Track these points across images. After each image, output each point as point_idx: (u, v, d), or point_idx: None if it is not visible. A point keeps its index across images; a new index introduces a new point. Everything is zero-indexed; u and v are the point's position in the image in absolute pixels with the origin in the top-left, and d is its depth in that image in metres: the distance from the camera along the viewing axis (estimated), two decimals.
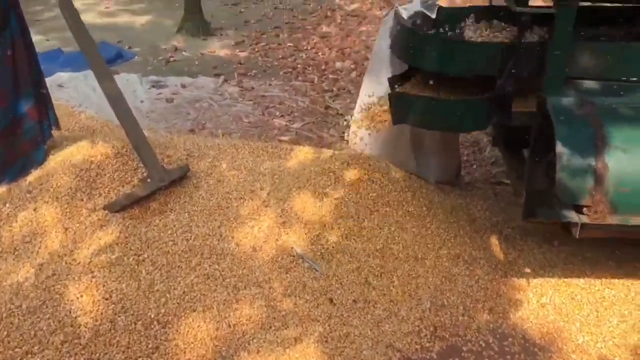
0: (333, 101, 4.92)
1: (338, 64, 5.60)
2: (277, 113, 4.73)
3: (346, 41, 6.27)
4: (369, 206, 3.00)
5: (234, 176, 3.32)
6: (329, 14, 7.39)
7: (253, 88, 5.19)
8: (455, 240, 2.96)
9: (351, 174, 3.17)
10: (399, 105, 2.77)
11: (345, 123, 4.55)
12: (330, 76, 5.40)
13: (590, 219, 2.08)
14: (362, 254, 2.81)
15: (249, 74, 5.52)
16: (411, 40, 2.63)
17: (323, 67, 5.57)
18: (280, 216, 2.99)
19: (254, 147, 3.66)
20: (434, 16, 3.01)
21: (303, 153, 3.64)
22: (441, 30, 2.94)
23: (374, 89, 3.42)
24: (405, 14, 3.06)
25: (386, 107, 3.02)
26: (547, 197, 2.35)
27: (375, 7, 7.57)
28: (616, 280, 2.74)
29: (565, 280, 2.78)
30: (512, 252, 2.99)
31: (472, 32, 2.81)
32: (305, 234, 2.89)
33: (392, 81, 3.02)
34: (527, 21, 2.27)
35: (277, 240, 2.89)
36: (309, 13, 7.43)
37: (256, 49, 6.18)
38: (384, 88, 3.32)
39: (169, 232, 2.90)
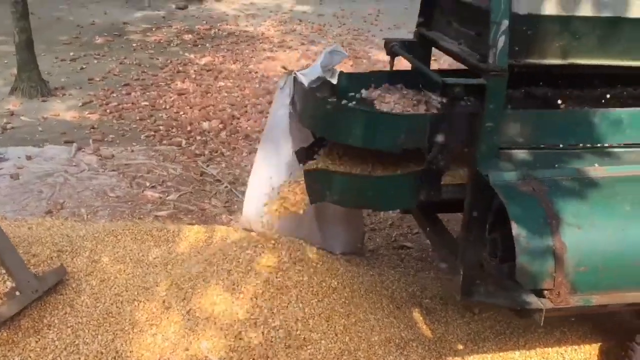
0: (207, 166, 4.54)
1: (205, 124, 5.25)
2: (147, 184, 4.26)
3: (207, 98, 5.94)
4: (288, 296, 2.67)
5: (120, 272, 2.84)
6: (180, 68, 7.02)
7: (113, 156, 4.66)
8: (383, 323, 2.73)
9: (261, 258, 2.84)
10: (317, 183, 2.51)
11: (226, 190, 4.20)
12: (199, 138, 5.02)
13: (553, 302, 1.95)
14: (291, 356, 2.47)
15: (105, 139, 4.97)
16: (329, 112, 2.40)
17: (188, 128, 5.18)
18: (187, 319, 2.57)
19: (135, 231, 3.20)
20: (335, 82, 2.82)
21: (194, 233, 3.25)
22: (347, 98, 2.76)
23: (272, 162, 3.13)
24: (305, 81, 2.83)
25: (295, 184, 2.73)
26: (495, 279, 2.21)
27: (228, 60, 7.33)
28: (550, 349, 2.67)
29: (502, 354, 2.65)
30: (438, 327, 2.82)
31: (383, 99, 2.65)
32: (220, 338, 2.49)
33: (301, 155, 2.76)
34: (459, 92, 2.13)
35: (187, 349, 2.46)
36: (159, 68, 7.00)
37: (108, 110, 5.63)
38: (283, 160, 3.06)
39: (50, 356, 2.36)
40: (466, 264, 2.36)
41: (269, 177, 3.18)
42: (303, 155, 2.75)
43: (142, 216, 3.82)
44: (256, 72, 6.86)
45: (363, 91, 2.80)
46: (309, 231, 3.18)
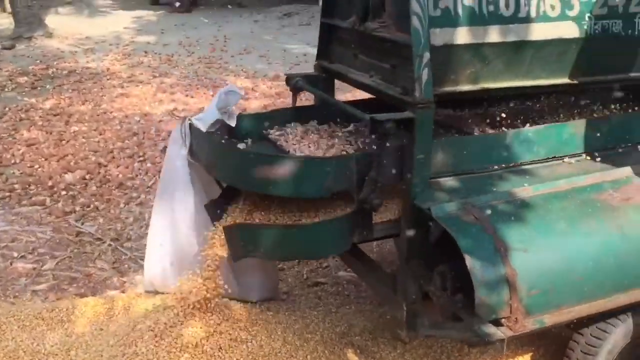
0: (82, 224, 4.11)
1: (68, 177, 4.77)
2: (15, 254, 3.75)
3: (63, 147, 5.42)
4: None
5: None
6: (23, 115, 6.36)
7: None
8: None
9: (180, 325, 2.56)
10: (240, 238, 2.32)
11: (110, 249, 3.82)
12: (64, 193, 4.54)
13: (512, 330, 1.94)
14: None
15: None
16: (244, 162, 2.22)
17: (49, 183, 4.67)
18: None
19: (21, 316, 2.78)
20: (233, 124, 2.65)
21: (91, 308, 2.91)
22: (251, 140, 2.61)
23: (173, 217, 2.88)
24: (202, 126, 2.63)
25: (212, 241, 2.51)
26: (444, 311, 2.17)
27: (76, 101, 6.79)
28: None
29: None
30: None
31: (294, 140, 2.53)
32: None
33: (212, 208, 2.55)
34: (391, 128, 2.07)
35: None
36: None
37: None
38: (186, 215, 2.83)
39: None
40: (408, 299, 2.31)
41: (171, 234, 2.93)
42: (214, 208, 2.54)
43: (17, 294, 3.35)
44: (112, 112, 6.41)
45: (270, 132, 2.66)
46: (222, 282, 2.96)
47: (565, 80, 2.45)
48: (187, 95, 7.05)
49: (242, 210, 2.46)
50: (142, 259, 3.65)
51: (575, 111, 2.82)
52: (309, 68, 8.95)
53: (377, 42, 2.34)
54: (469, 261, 1.90)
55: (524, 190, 2.17)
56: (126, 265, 3.65)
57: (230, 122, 2.67)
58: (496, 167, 2.35)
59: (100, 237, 3.96)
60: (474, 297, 1.90)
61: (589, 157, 2.45)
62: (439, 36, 2.14)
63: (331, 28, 2.71)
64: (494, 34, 2.22)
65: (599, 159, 2.44)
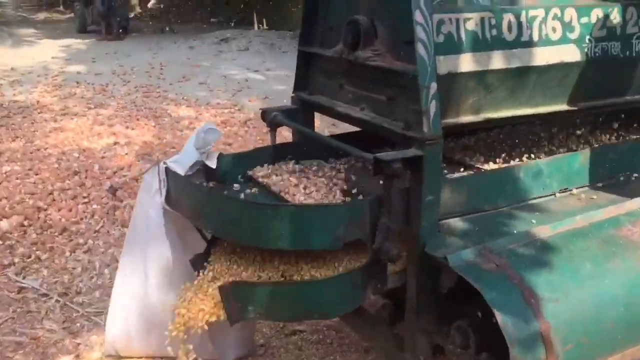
0: (24, 278, 3.69)
1: (3, 224, 4.30)
2: None
3: None
4: None
5: None
6: None
7: None
8: None
9: None
10: (237, 299, 2.02)
11: (59, 306, 3.42)
12: (0, 243, 4.09)
13: None
14: None
15: None
16: (240, 212, 1.95)
17: None
18: None
19: None
20: (213, 165, 2.38)
21: None
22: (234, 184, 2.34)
23: (144, 272, 2.56)
24: (180, 170, 2.34)
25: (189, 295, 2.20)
26: None
27: (5, 138, 6.25)
28: None
29: None
30: None
31: (287, 183, 2.27)
32: None
33: (198, 263, 2.25)
34: (399, 169, 1.85)
35: None
36: None
37: None
38: (160, 269, 2.52)
39: None
40: (419, 357, 2.07)
41: (140, 291, 2.60)
42: (200, 263, 2.24)
43: None
44: (46, 149, 5.92)
45: (256, 174, 2.39)
46: (196, 343, 2.64)
47: (564, 106, 2.31)
48: (127, 127, 6.64)
49: (222, 261, 2.18)
50: (97, 316, 3.29)
51: (565, 137, 2.69)
52: (252, 94, 8.71)
53: (368, 71, 2.12)
54: (500, 317, 1.69)
55: (542, 229, 1.99)
56: (78, 324, 3.27)
57: (210, 163, 2.39)
58: (504, 203, 2.16)
59: (46, 292, 3.55)
60: (507, 355, 1.69)
61: (593, 188, 2.31)
62: (443, 64, 1.95)
63: (310, 57, 2.48)
64: (497, 60, 2.05)
65: (605, 190, 2.30)
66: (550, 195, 2.25)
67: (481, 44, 2.02)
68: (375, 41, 2.08)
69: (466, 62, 2.00)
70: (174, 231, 2.53)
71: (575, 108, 2.32)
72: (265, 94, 8.27)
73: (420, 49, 1.85)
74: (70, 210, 4.46)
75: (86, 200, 4.56)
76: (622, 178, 2.40)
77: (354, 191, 2.24)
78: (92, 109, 7.45)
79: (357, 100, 2.24)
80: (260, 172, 2.36)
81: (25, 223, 4.33)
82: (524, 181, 2.16)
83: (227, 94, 8.34)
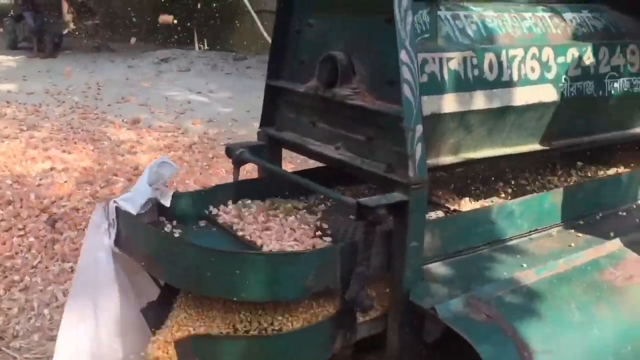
0: None
1: None
2: None
3: None
4: None
5: None
6: None
7: None
8: None
9: None
10: (198, 354, 1.86)
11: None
12: None
13: None
14: None
15: None
16: (204, 260, 1.79)
17: None
18: None
19: None
20: (167, 204, 2.21)
21: None
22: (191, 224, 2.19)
23: (91, 322, 2.34)
24: (132, 209, 2.16)
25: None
26: None
27: None
28: None
29: None
30: None
31: (253, 225, 2.13)
32: None
33: (152, 314, 2.07)
34: (383, 215, 1.74)
35: None
36: None
37: None
38: (108, 318, 2.31)
39: None
40: None
41: (88, 342, 2.38)
42: (153, 313, 2.07)
43: None
44: None
45: (217, 213, 2.24)
46: None
47: (538, 146, 2.28)
48: (63, 151, 6.31)
49: (187, 316, 2.01)
50: None
51: (530, 175, 2.67)
52: (195, 116, 8.49)
53: (346, 110, 2.02)
54: None
55: (527, 274, 1.93)
56: None
57: (164, 201, 2.22)
58: (480, 245, 2.10)
59: None
60: None
61: (567, 227, 2.28)
62: (426, 105, 1.87)
63: (278, 91, 2.36)
64: (479, 100, 2.00)
65: (577, 229, 2.28)
66: (524, 235, 2.20)
67: (464, 84, 1.96)
68: (354, 78, 1.99)
69: (449, 103, 1.94)
70: (125, 275, 2.34)
71: (549, 147, 2.30)
72: (209, 117, 8.09)
73: (406, 90, 1.76)
74: (4, 243, 4.13)
75: (22, 232, 4.25)
76: (592, 216, 2.39)
77: (328, 231, 2.13)
78: (25, 131, 7.08)
79: (331, 138, 2.14)
80: (223, 213, 2.21)
81: None
82: (498, 222, 2.10)
83: (169, 117, 8.11)
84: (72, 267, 3.94)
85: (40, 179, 5.29)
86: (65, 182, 5.04)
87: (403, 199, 1.80)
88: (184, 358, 1.86)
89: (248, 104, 8.62)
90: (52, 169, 5.67)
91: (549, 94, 2.17)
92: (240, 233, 2.08)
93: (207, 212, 2.25)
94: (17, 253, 4.06)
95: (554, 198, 2.24)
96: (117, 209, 2.16)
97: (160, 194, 2.24)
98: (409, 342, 1.91)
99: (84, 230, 4.30)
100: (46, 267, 3.91)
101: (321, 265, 1.78)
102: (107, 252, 2.23)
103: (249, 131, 7.32)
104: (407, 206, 1.81)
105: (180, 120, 7.99)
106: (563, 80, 2.21)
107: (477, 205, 2.35)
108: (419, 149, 1.79)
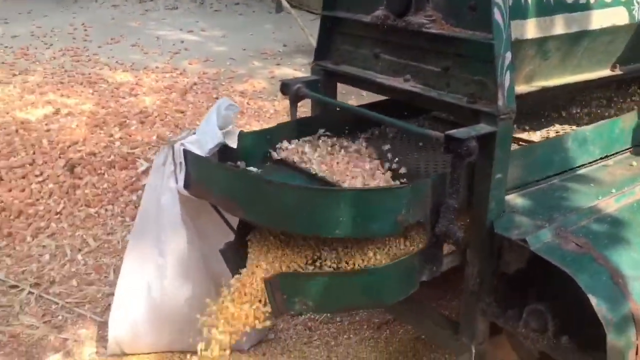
0: None
1: None
2: None
3: None
4: None
5: None
6: None
7: None
8: None
9: None
10: (283, 291, 1.84)
11: (34, 298, 3.09)
12: None
13: None
14: None
15: None
16: (297, 199, 1.74)
17: None
18: None
19: None
20: (234, 145, 2.15)
21: None
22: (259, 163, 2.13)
23: (155, 264, 2.32)
24: (199, 151, 2.10)
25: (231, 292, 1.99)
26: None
27: None
28: None
29: None
30: None
31: (324, 163, 2.08)
32: None
33: (231, 253, 2.04)
34: (474, 147, 1.70)
35: None
36: None
37: None
38: (174, 260, 2.29)
39: None
40: (477, 340, 1.99)
41: (150, 284, 2.37)
42: (233, 254, 2.03)
43: None
44: None
45: (283, 153, 2.19)
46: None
47: (607, 72, 2.23)
48: (62, 95, 6.11)
49: (265, 254, 1.98)
50: (79, 307, 3.02)
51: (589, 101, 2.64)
52: (191, 57, 8.28)
53: (419, 39, 1.95)
54: (594, 301, 1.62)
55: (607, 203, 1.93)
56: (60, 317, 2.97)
57: (231, 142, 2.16)
58: (554, 175, 2.08)
59: (15, 283, 3.20)
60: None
61: (634, 154, 2.27)
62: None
63: (335, 22, 2.26)
64: (559, 25, 1.94)
65: None
66: (595, 163, 2.19)
67: (545, 9, 1.90)
68: (428, 6, 1.91)
69: (531, 28, 1.87)
70: (189, 219, 2.30)
71: (618, 73, 2.26)
72: (205, 56, 7.86)
73: (497, 15, 1.70)
74: (23, 190, 4.04)
75: (40, 179, 4.15)
76: None
77: (394, 166, 2.09)
78: (17, 76, 6.82)
79: (398, 70, 2.07)
80: (288, 151, 2.16)
81: None
82: (572, 150, 2.08)
83: (164, 57, 7.87)
84: (97, 212, 3.88)
85: (47, 124, 5.14)
86: (77, 126, 4.89)
87: (491, 130, 1.76)
88: (271, 295, 1.85)
89: (243, 41, 8.39)
90: (55, 113, 5.50)
91: (621, 17, 2.11)
92: (311, 171, 2.03)
93: (270, 151, 2.20)
94: (37, 200, 3.97)
95: (625, 123, 2.22)
96: (186, 151, 2.09)
97: (227, 136, 2.17)
98: (488, 274, 1.91)
99: (104, 174, 4.22)
100: (71, 213, 3.85)
101: (413, 199, 1.75)
102: (172, 195, 2.19)
103: (249, 69, 7.16)
104: (494, 137, 1.77)
105: (176, 60, 7.76)
106: (635, 3, 2.14)
107: (543, 135, 2.32)
108: (507, 77, 1.74)
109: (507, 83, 1.74)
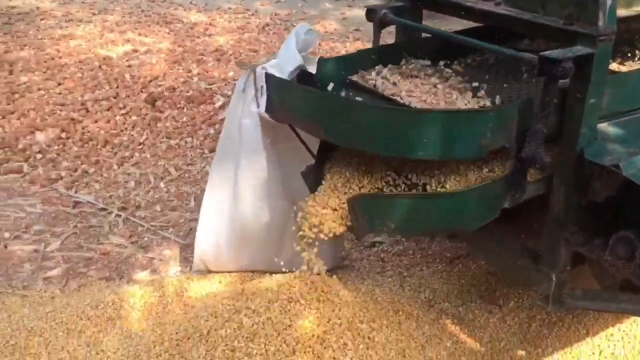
0: (75, 192, 3.51)
1: (39, 136, 4.07)
2: (7, 235, 3.14)
3: (18, 101, 4.64)
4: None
5: None
6: None
7: None
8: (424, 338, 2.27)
9: (261, 312, 2.11)
10: (366, 212, 1.89)
11: (121, 220, 3.27)
12: (40, 157, 3.87)
13: None
14: None
15: None
16: (383, 119, 1.77)
17: (20, 146, 3.96)
18: None
19: (62, 316, 2.29)
20: (314, 70, 2.18)
21: (140, 298, 2.45)
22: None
23: (236, 186, 2.41)
24: (280, 75, 2.14)
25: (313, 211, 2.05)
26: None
27: (13, 47, 5.87)
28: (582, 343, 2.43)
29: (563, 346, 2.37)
30: (476, 331, 2.45)
31: (405, 89, 2.09)
32: None
33: (312, 176, 2.10)
34: (570, 68, 1.67)
35: None
36: None
37: None
38: (255, 182, 2.37)
39: None
40: (559, 269, 1.99)
41: (232, 204, 2.46)
42: (314, 176, 2.09)
43: (25, 284, 2.78)
44: (60, 57, 5.57)
45: (363, 79, 2.20)
46: (291, 255, 2.53)
47: None
48: (140, 34, 6.27)
49: (346, 176, 2.03)
50: (163, 230, 3.17)
51: None
52: None
53: None
54: None
55: None
56: (146, 239, 3.14)
57: (310, 67, 2.19)
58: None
59: (104, 206, 3.38)
60: None
61: None
62: None
63: None
64: None
65: None
66: None
67: None
68: None
69: None
70: (270, 143, 2.37)
71: None
72: None
73: None
74: (109, 121, 4.22)
75: (124, 111, 4.32)
76: None
77: (479, 94, 2.08)
78: (97, 15, 7.02)
79: None
80: (369, 77, 2.17)
81: (63, 136, 4.10)
82: None
83: None
84: (177, 144, 4.03)
85: (127, 60, 5.30)
86: (157, 62, 5.03)
87: (589, 51, 1.72)
88: (354, 216, 1.90)
89: None
90: (135, 50, 5.66)
91: None
92: (392, 96, 2.05)
93: (351, 77, 2.21)
94: (122, 131, 4.15)
95: None
96: (267, 74, 2.14)
97: (306, 60, 2.20)
98: (574, 202, 1.89)
99: (183, 108, 4.36)
100: (153, 144, 4.00)
101: (499, 123, 1.75)
102: (254, 119, 2.25)
103: (320, 11, 7.14)
104: (592, 60, 1.73)
105: (248, 1, 7.80)
106: None
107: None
108: None
109: (608, 2, 1.69)
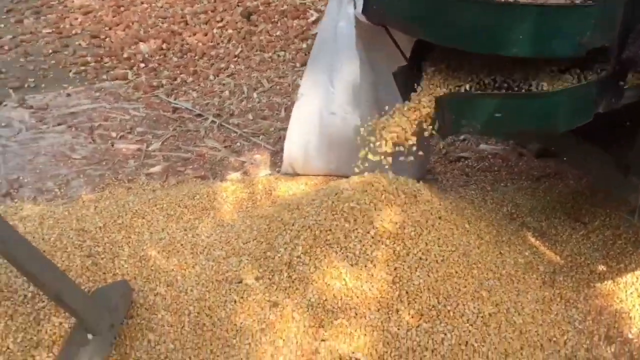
0: (175, 99, 3.71)
1: (142, 47, 4.29)
2: (113, 134, 3.39)
3: (123, 14, 4.87)
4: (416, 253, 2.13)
5: (182, 266, 2.15)
6: None
7: (47, 106, 3.66)
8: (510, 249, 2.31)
9: (352, 212, 2.20)
10: (453, 112, 1.92)
11: (216, 126, 3.44)
12: (143, 65, 4.09)
13: None
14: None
15: (26, 85, 3.91)
16: (481, 15, 1.76)
17: (125, 55, 4.20)
18: (307, 312, 1.97)
19: (163, 203, 2.49)
20: None
21: (231, 193, 2.63)
22: None
23: (329, 89, 2.47)
24: None
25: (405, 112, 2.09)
26: None
27: None
28: None
29: None
30: (560, 247, 2.45)
31: None
32: (365, 334, 1.94)
33: (404, 77, 2.13)
34: None
35: (317, 352, 1.89)
36: None
37: (5, 46, 4.45)
38: (348, 87, 2.42)
39: None
40: None
41: (323, 109, 2.54)
42: (405, 77, 2.12)
43: (130, 177, 3.02)
44: None
45: None
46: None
47: None
48: None
49: (440, 78, 2.05)
50: (254, 137, 3.31)
51: None
52: None
53: None
54: None
55: None
56: (238, 144, 3.29)
57: None
58: None
59: (200, 112, 3.56)
60: None
61: None
62: None
63: None
64: None
65: None
66: None
67: None
68: None
69: None
70: (363, 47, 2.40)
71: None
72: None
73: None
74: (206, 34, 4.37)
75: (221, 25, 4.45)
76: None
77: None
78: None
79: None
80: None
81: (164, 47, 4.29)
82: None
83: None
84: (270, 57, 4.12)
85: None
86: None
87: None
88: (441, 115, 1.93)
89: None
90: None
91: None
92: None
93: None
94: (218, 43, 4.29)
95: None
96: None
97: None
98: None
99: (277, 23, 4.43)
100: (247, 57, 4.12)
101: (601, 20, 1.69)
102: (349, 21, 2.28)
103: None
104: None
105: None
106: None
107: None
108: None
109: None
